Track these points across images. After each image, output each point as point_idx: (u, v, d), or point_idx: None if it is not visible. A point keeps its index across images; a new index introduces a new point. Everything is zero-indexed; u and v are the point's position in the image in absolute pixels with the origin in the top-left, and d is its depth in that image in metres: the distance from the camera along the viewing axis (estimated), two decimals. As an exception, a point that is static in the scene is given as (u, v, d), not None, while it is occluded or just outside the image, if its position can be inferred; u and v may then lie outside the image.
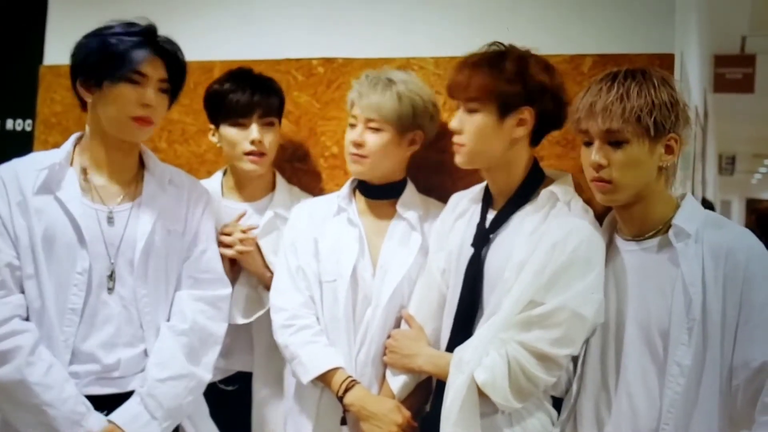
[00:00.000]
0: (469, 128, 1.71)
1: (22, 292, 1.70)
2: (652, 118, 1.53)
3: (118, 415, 1.70)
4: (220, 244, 1.98)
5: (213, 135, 2.13)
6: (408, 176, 2.03)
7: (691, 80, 3.23)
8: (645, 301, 1.59)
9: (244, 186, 2.15)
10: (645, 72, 1.59)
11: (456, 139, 1.74)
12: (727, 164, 12.00)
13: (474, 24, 2.17)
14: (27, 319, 1.70)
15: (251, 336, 2.09)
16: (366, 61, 2.22)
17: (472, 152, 1.73)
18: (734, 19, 5.34)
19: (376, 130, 1.89)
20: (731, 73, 6.28)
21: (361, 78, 1.96)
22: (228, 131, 2.06)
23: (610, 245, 1.69)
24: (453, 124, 1.74)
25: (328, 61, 2.31)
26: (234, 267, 2.04)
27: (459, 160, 1.75)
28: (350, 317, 1.91)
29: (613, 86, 1.56)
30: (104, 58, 1.72)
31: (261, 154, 2.05)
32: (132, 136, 1.78)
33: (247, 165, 2.06)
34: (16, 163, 1.78)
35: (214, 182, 2.18)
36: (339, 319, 1.91)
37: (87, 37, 1.77)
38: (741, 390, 1.49)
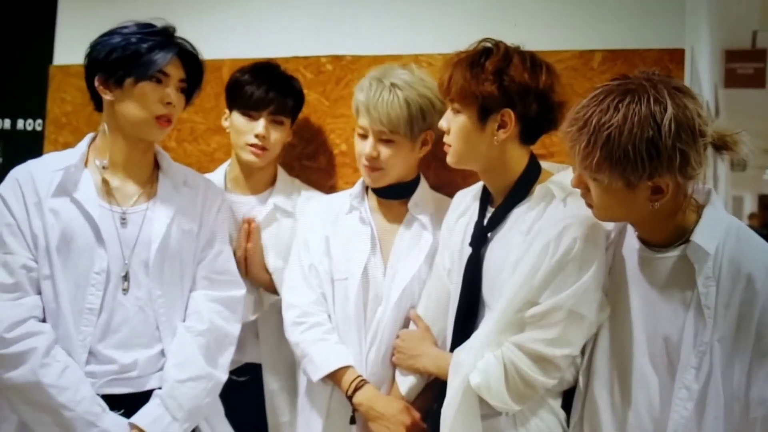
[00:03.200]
0: (454, 129, 1.69)
1: (40, 293, 1.71)
2: (618, 170, 1.38)
3: (140, 417, 1.71)
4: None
5: (225, 120, 2.15)
6: (420, 173, 2.02)
7: (702, 75, 3.21)
8: (655, 310, 1.53)
9: (246, 178, 2.16)
10: (641, 96, 1.37)
11: (445, 138, 1.73)
12: (739, 160, 11.92)
13: (482, 20, 2.16)
14: (44, 320, 1.70)
15: (257, 329, 2.11)
16: (374, 58, 2.21)
17: (458, 153, 1.70)
18: (745, 14, 5.32)
19: (389, 141, 1.87)
20: (742, 68, 6.24)
21: (363, 84, 1.91)
22: (238, 119, 2.09)
23: (624, 240, 1.62)
24: (441, 123, 1.73)
25: (336, 59, 2.31)
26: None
27: (449, 160, 1.73)
28: (361, 316, 1.91)
29: (590, 121, 1.39)
30: (129, 57, 1.72)
31: (263, 149, 2.06)
32: (152, 136, 1.80)
33: (248, 156, 2.08)
34: (30, 164, 1.78)
35: (217, 175, 2.20)
36: (350, 317, 1.91)
37: (107, 35, 1.77)
38: (759, 424, 1.42)
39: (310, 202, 2.14)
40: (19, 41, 2.83)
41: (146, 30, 1.76)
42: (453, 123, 1.68)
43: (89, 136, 1.86)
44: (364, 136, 1.90)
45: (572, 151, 1.44)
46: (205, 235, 1.88)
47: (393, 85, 1.85)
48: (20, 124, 2.82)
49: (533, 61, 1.66)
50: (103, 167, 1.78)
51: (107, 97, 1.77)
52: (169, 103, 1.76)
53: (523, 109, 1.63)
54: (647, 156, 1.35)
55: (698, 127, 1.37)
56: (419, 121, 1.86)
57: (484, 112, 1.64)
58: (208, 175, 2.12)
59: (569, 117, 1.46)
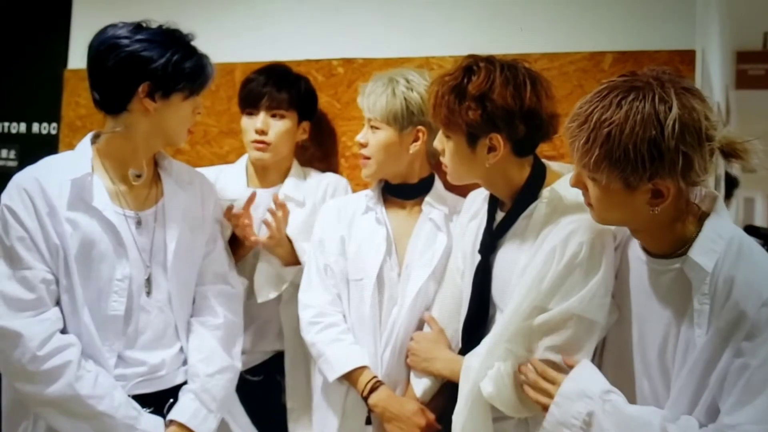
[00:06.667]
0: (447, 151, 1.69)
1: (57, 304, 1.68)
2: (617, 170, 1.33)
3: (179, 413, 1.75)
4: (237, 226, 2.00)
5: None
6: (435, 173, 2.02)
7: (713, 77, 3.21)
8: (653, 322, 1.49)
9: (263, 173, 2.19)
10: (646, 94, 1.31)
11: (441, 158, 1.73)
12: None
13: (493, 22, 2.18)
14: (64, 330, 1.68)
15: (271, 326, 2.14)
16: (385, 60, 2.23)
17: (455, 173, 1.71)
18: (756, 15, 5.28)
19: (376, 129, 1.93)
20: (754, 69, 6.21)
21: (369, 80, 1.98)
22: (243, 119, 2.16)
23: (631, 244, 1.58)
24: (435, 143, 1.73)
25: (347, 62, 2.33)
26: (242, 248, 2.07)
27: (448, 178, 1.75)
28: (376, 316, 1.92)
29: (591, 117, 1.33)
30: (189, 72, 1.73)
31: (264, 143, 2.10)
32: (179, 144, 1.92)
33: (252, 153, 2.13)
34: (34, 171, 1.69)
35: (238, 167, 2.23)
36: (365, 317, 1.92)
37: (149, 42, 1.70)
38: None
39: (322, 187, 2.17)
40: (33, 45, 2.86)
41: (185, 39, 1.76)
42: (446, 146, 1.69)
43: (88, 138, 1.79)
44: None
45: (571, 148, 1.39)
46: (208, 230, 1.91)
47: (391, 79, 1.92)
48: (35, 127, 2.86)
49: (516, 78, 1.61)
50: (137, 176, 1.77)
51: (149, 106, 1.71)
52: (198, 114, 1.83)
53: (510, 133, 1.61)
54: (648, 157, 1.29)
55: (705, 130, 1.31)
56: (403, 113, 1.89)
57: (471, 138, 1.63)
58: (227, 167, 2.20)
59: (572, 112, 1.40)
